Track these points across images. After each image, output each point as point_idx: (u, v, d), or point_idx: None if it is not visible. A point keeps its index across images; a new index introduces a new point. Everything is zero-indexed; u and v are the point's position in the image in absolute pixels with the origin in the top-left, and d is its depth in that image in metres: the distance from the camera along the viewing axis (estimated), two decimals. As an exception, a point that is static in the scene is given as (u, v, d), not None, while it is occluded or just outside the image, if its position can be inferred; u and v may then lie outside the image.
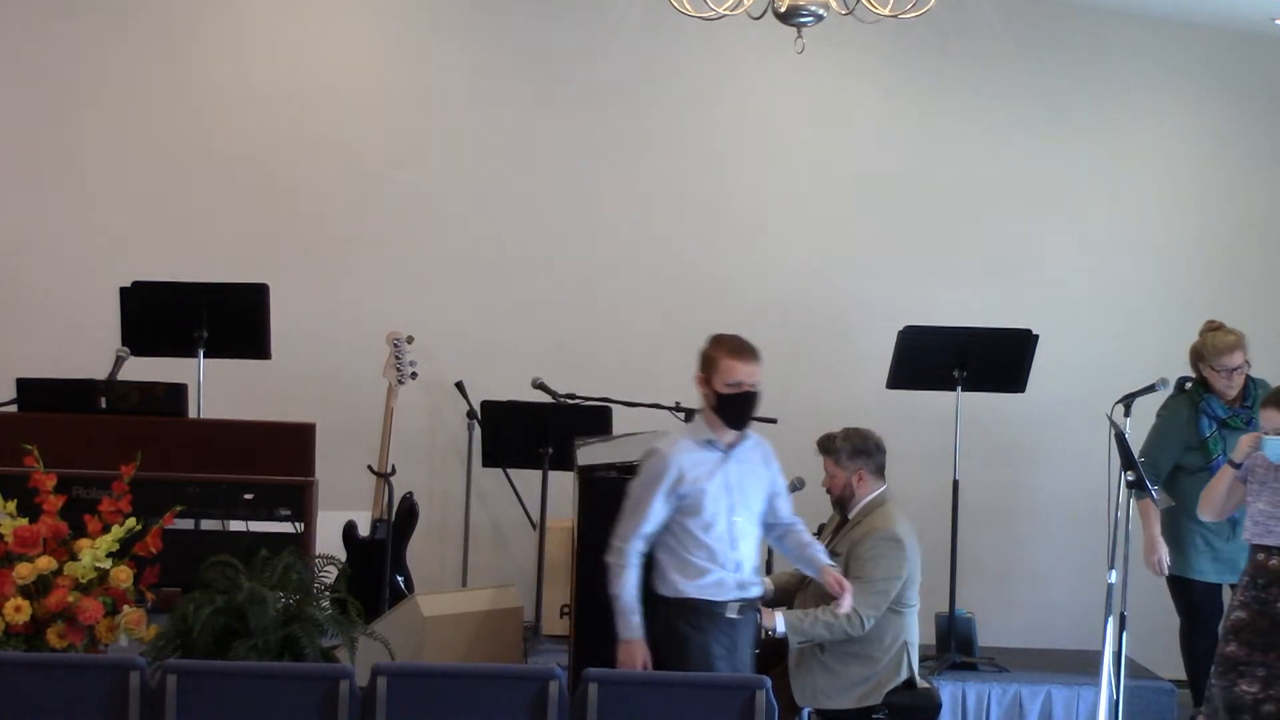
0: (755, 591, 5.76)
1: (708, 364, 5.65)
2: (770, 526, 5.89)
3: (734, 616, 5.67)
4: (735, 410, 5.63)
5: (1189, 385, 6.84)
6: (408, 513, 8.03)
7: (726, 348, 5.63)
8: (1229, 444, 6.63)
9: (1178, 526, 6.99)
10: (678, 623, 5.65)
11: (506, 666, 6.41)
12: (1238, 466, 6.23)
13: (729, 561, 5.65)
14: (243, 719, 4.98)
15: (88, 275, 8.65)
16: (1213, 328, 6.95)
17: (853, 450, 6.48)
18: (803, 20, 6.37)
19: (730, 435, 5.69)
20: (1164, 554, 6.97)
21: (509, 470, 8.36)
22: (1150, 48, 9.14)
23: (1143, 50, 9.14)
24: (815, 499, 6.99)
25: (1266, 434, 6.13)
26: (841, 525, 6.58)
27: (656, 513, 5.62)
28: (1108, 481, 6.69)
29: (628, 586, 5.63)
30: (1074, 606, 8.39)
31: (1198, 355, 6.86)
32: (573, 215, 9.03)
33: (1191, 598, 7.08)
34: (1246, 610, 6.14)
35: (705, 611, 5.63)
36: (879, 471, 6.54)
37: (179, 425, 7.03)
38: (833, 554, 6.42)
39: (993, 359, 8.01)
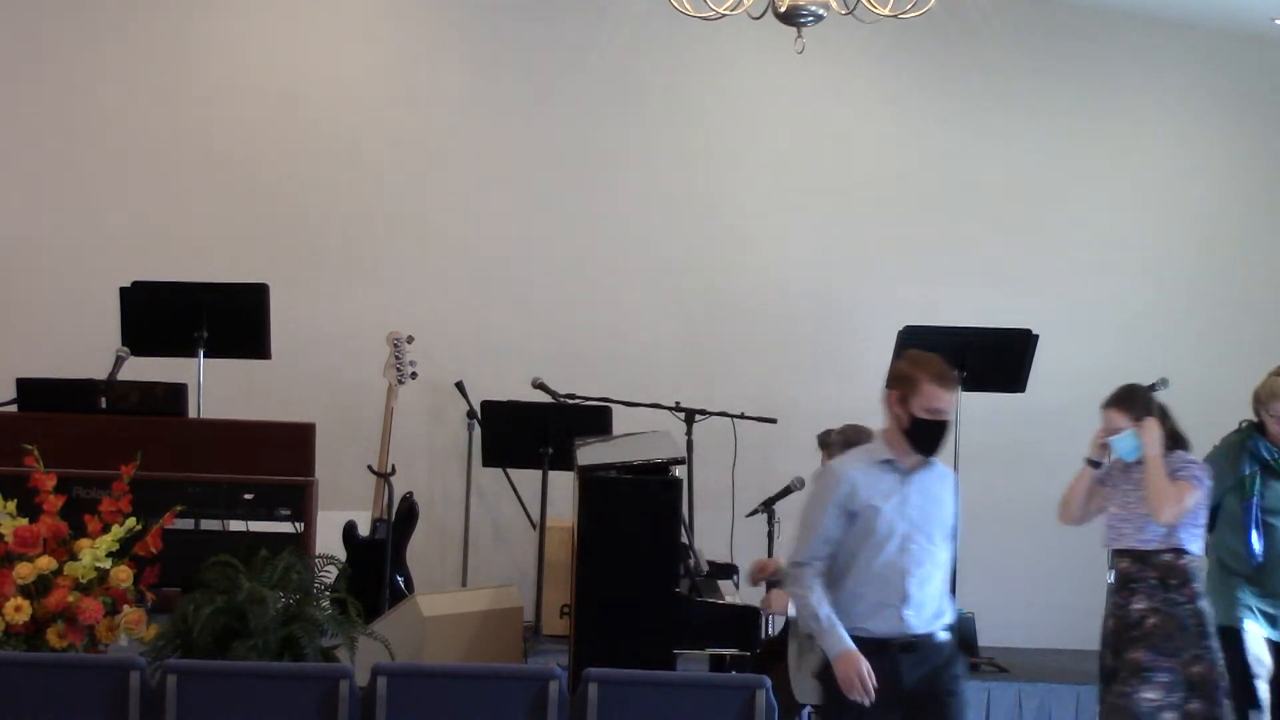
0: (929, 626, 5.25)
1: (906, 384, 5.27)
2: None
3: (899, 654, 5.19)
4: (929, 437, 5.27)
5: (1243, 425, 6.57)
6: (408, 513, 8.03)
7: (931, 372, 5.26)
8: (1268, 488, 6.44)
9: (1223, 576, 6.54)
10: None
11: (506, 666, 6.41)
12: (1096, 465, 6.15)
13: (897, 592, 5.21)
14: (243, 719, 4.99)
15: (88, 275, 8.65)
16: (1276, 372, 6.57)
17: (845, 443, 6.47)
18: (803, 20, 6.38)
19: (914, 459, 5.30)
20: None
21: (509, 470, 8.36)
22: (1150, 48, 9.15)
23: (1142, 50, 9.15)
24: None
25: (1109, 436, 6.02)
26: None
27: (829, 530, 5.24)
28: (1107, 481, 6.69)
29: (818, 603, 5.20)
30: (1074, 606, 8.38)
31: (1256, 398, 6.54)
32: (573, 215, 9.04)
33: (1238, 652, 6.45)
34: (1112, 618, 6.03)
35: (864, 645, 5.17)
36: None
37: (179, 425, 7.02)
38: None
39: (993, 359, 8.01)
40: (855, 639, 5.16)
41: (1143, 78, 9.18)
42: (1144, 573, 5.96)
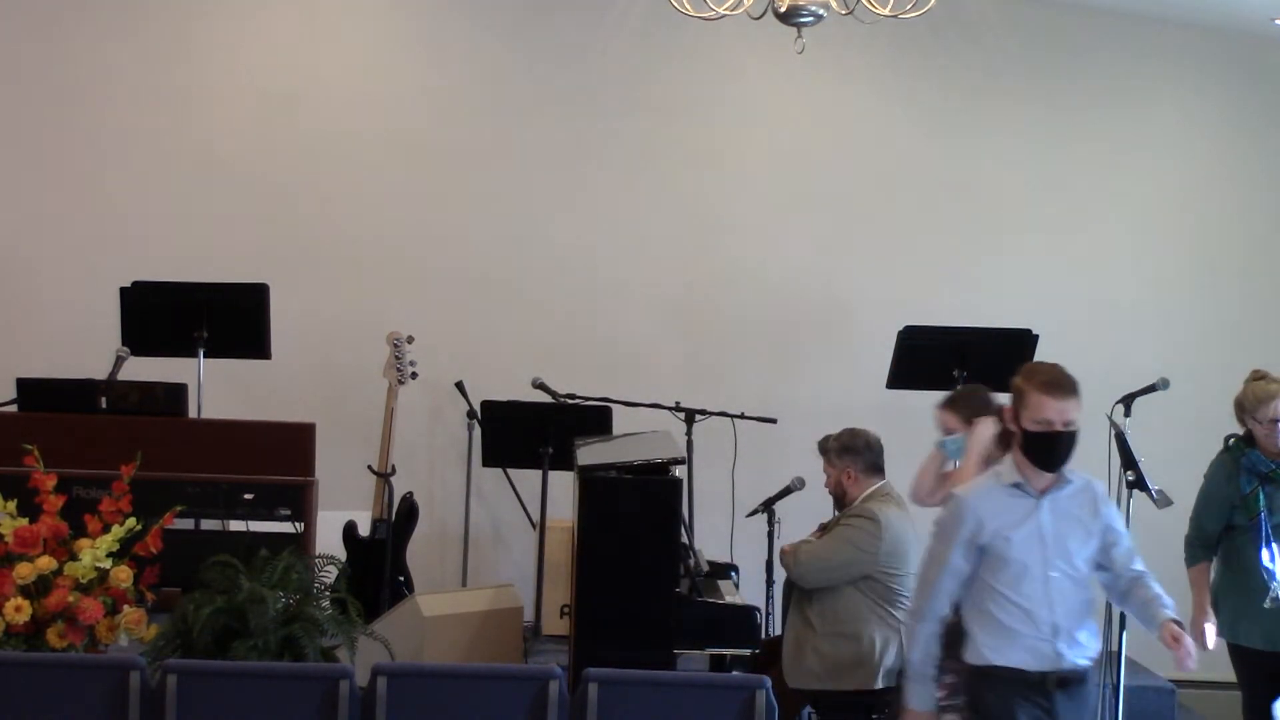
0: (1081, 661, 4.96)
1: (1017, 397, 4.98)
2: (1111, 582, 5.10)
3: (1052, 690, 4.88)
4: (1042, 452, 4.92)
5: (1231, 441, 6.33)
6: (408, 513, 8.03)
7: (1037, 380, 4.97)
8: (1274, 500, 6.18)
9: (1235, 589, 6.30)
10: (984, 694, 4.95)
11: (506, 666, 6.41)
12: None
13: (1045, 625, 4.90)
14: (243, 719, 4.98)
15: (88, 275, 8.65)
16: (1256, 377, 6.35)
17: (841, 448, 6.50)
18: (803, 20, 6.38)
19: (1045, 479, 4.95)
20: (1210, 628, 6.27)
21: (509, 470, 8.37)
22: (1150, 48, 9.15)
23: (1142, 50, 9.15)
24: (816, 499, 7.01)
25: (945, 436, 5.87)
26: (842, 524, 6.60)
27: (956, 567, 4.96)
28: (1107, 481, 6.69)
29: (920, 649, 5.01)
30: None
31: (1239, 407, 6.31)
32: (573, 215, 9.04)
33: (1249, 667, 6.31)
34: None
35: (1014, 681, 4.90)
36: (871, 469, 6.54)
37: (179, 425, 7.02)
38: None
39: (993, 359, 7.99)
40: (1009, 671, 4.91)
41: (1142, 77, 9.18)
42: None
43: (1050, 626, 4.91)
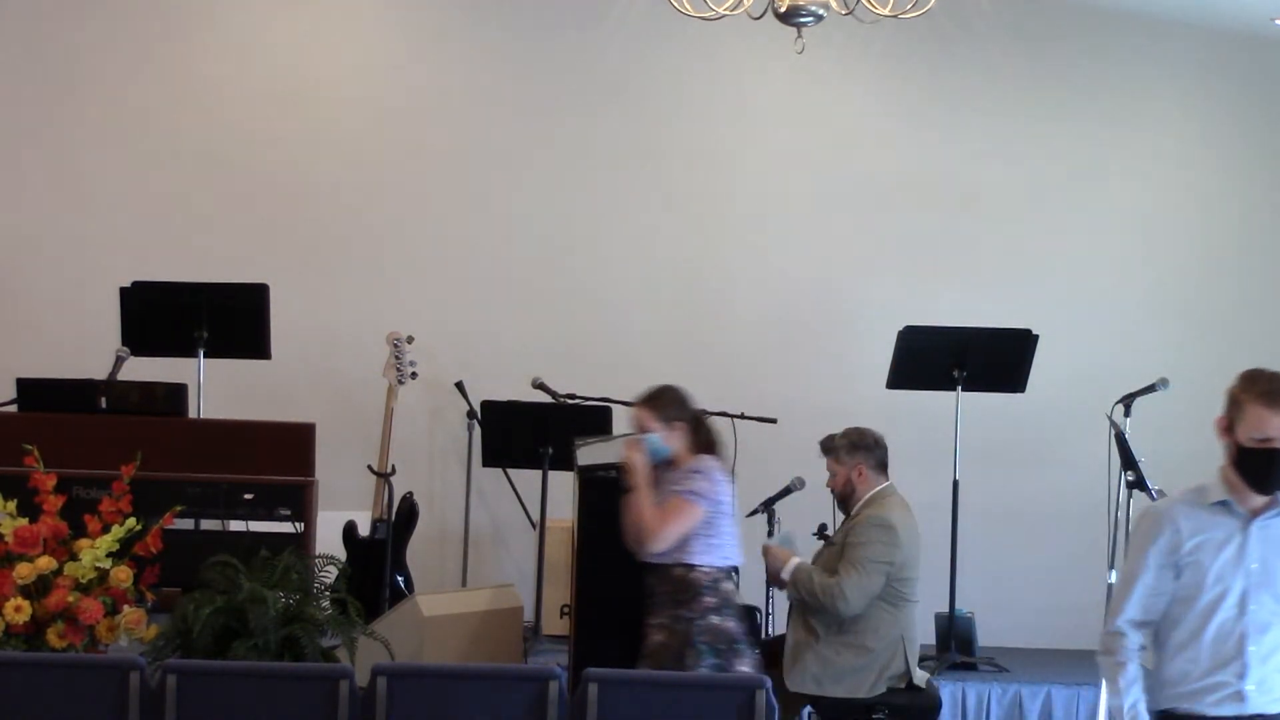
0: (1273, 709, 4.46)
1: (1234, 407, 4.47)
2: None
3: None
4: (1258, 471, 4.42)
5: None
6: (408, 513, 8.03)
7: (1258, 390, 4.43)
8: None
9: None
10: None
11: (506, 666, 6.41)
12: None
13: (1232, 663, 4.43)
14: (243, 719, 4.98)
15: (88, 275, 8.66)
16: None
17: (850, 446, 6.50)
18: (803, 20, 6.39)
19: (1257, 500, 4.47)
20: None
21: (509, 470, 8.36)
22: (1150, 48, 9.15)
23: (1142, 50, 9.15)
24: (816, 499, 7.01)
25: (641, 435, 5.77)
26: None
27: (1151, 586, 4.47)
28: (1108, 481, 6.70)
29: (1125, 689, 4.47)
30: (1074, 606, 8.38)
31: None
32: (573, 215, 9.04)
33: None
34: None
35: None
36: (879, 467, 6.55)
37: (179, 425, 7.03)
38: (829, 545, 6.47)
39: (993, 359, 8.01)
40: (1179, 713, 4.47)
41: (1142, 77, 9.18)
42: (660, 586, 5.72)
43: (1239, 665, 4.45)
